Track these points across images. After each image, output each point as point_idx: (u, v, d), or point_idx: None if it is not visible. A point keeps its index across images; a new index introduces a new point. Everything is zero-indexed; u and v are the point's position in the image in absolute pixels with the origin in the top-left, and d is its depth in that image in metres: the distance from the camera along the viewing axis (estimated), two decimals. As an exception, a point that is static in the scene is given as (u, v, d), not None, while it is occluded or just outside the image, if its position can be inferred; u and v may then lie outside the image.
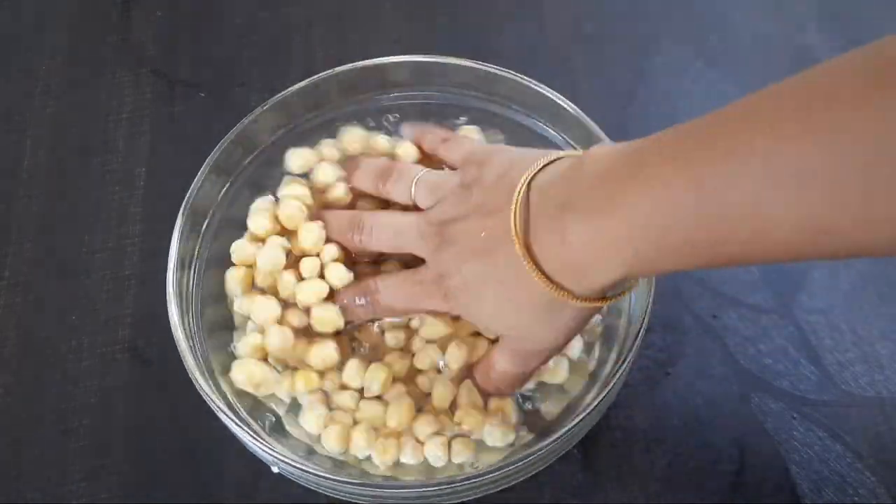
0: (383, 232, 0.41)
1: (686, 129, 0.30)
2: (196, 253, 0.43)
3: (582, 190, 0.33)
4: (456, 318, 0.41)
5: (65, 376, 0.46)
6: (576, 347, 0.42)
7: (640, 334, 0.38)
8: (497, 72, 0.46)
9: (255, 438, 0.36)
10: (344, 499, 0.37)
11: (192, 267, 0.42)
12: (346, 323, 0.41)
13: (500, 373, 0.39)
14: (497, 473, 0.35)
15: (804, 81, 0.27)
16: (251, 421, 0.39)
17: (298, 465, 0.36)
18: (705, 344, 0.46)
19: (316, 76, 0.46)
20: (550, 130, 0.46)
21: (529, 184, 0.35)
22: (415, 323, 0.42)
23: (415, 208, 0.41)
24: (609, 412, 0.40)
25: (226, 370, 0.41)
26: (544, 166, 0.36)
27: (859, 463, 0.42)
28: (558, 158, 0.36)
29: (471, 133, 0.46)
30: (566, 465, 0.42)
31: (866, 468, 0.42)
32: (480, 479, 0.35)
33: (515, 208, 0.34)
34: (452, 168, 0.42)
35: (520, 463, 0.35)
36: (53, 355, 0.46)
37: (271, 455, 0.36)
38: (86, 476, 0.43)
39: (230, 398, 0.40)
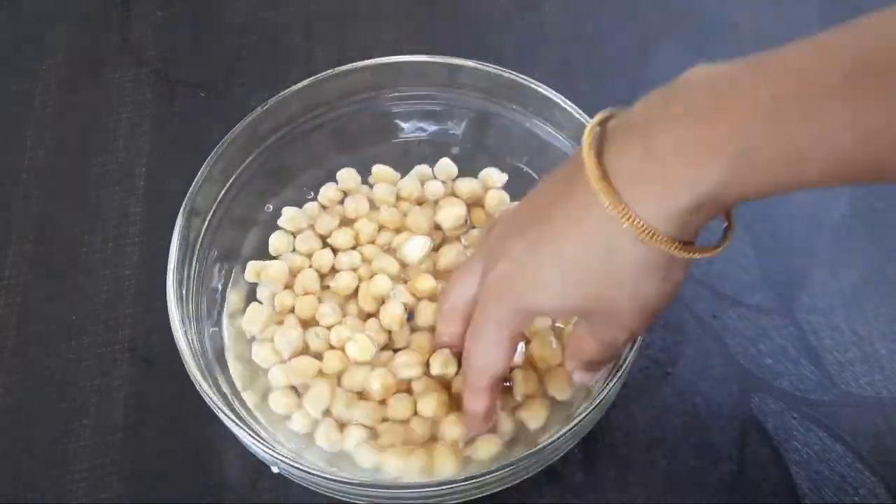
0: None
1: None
2: (196, 253, 0.43)
3: (675, 103, 0.29)
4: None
5: (65, 376, 0.46)
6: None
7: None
8: (497, 72, 0.46)
9: (255, 438, 0.36)
10: (343, 499, 0.37)
11: (193, 267, 0.42)
12: None
13: (585, 348, 0.37)
14: (497, 473, 0.35)
15: None
16: (251, 421, 0.40)
17: (298, 466, 0.36)
18: (705, 344, 0.46)
19: (316, 76, 0.46)
20: (551, 131, 0.46)
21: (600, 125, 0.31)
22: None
23: None
24: (609, 412, 0.40)
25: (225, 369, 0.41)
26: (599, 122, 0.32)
27: (859, 463, 0.42)
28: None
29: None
30: (566, 465, 0.42)
31: (866, 468, 0.42)
32: (480, 479, 0.35)
33: (588, 138, 0.31)
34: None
35: (520, 463, 0.35)
36: (53, 355, 0.46)
37: (271, 455, 0.36)
38: (86, 476, 0.43)
39: (230, 398, 0.40)
